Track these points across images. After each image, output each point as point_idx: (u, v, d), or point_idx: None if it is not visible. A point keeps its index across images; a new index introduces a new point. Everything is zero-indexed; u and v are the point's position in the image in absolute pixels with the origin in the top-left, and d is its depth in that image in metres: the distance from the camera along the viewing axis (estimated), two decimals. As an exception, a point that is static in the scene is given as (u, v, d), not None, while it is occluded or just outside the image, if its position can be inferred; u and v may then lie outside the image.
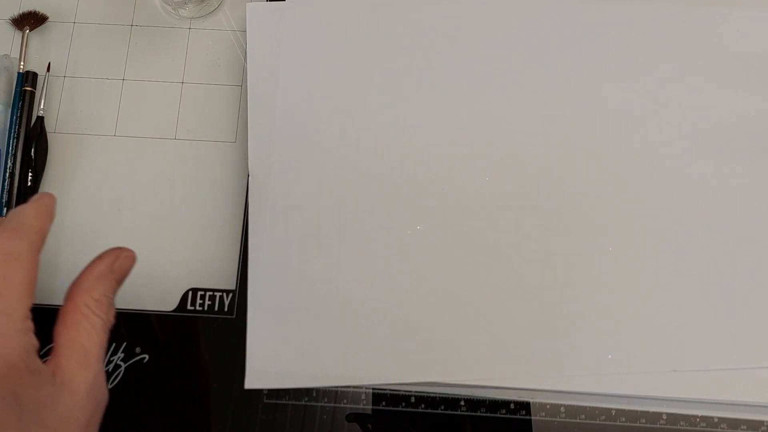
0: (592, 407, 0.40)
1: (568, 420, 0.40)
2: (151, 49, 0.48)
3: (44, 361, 0.30)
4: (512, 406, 0.41)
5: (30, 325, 0.30)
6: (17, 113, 0.45)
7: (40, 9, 0.48)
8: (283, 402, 0.41)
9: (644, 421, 0.40)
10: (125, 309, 0.43)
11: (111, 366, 0.42)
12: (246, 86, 0.46)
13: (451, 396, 0.41)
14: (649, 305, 0.41)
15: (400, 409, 0.41)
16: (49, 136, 0.46)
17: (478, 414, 0.41)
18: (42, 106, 0.46)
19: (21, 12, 0.48)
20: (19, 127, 0.45)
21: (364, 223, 0.43)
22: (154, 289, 0.43)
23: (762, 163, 0.43)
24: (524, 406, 0.41)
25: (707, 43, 0.46)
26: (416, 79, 0.45)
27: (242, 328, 0.41)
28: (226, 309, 0.43)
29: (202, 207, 0.45)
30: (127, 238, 0.44)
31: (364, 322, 0.41)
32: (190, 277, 0.43)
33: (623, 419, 0.40)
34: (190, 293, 0.43)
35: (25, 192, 0.44)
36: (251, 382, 0.40)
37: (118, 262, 0.34)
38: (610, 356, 0.40)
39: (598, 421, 0.40)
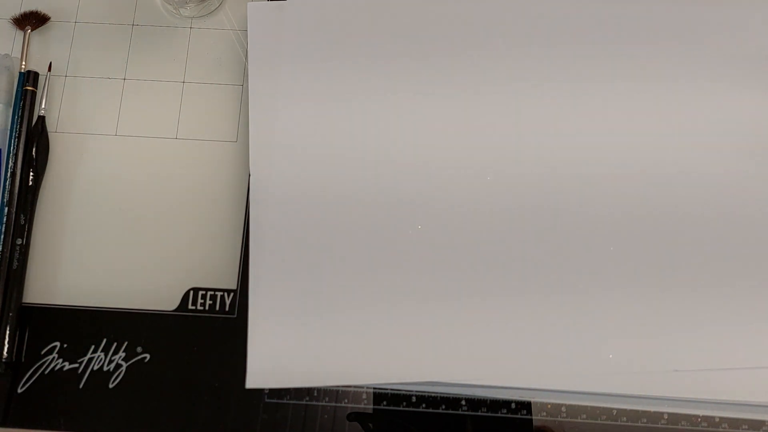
0: (594, 407, 0.40)
1: (569, 419, 0.40)
2: (152, 49, 0.48)
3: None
4: (513, 405, 0.41)
5: None
6: (18, 113, 0.45)
7: (42, 9, 0.48)
8: (284, 401, 0.41)
9: (645, 420, 0.40)
10: (126, 309, 0.43)
11: (112, 365, 0.42)
12: (247, 86, 0.46)
13: (452, 395, 0.41)
14: (649, 305, 0.41)
15: (401, 408, 0.41)
16: (50, 135, 0.46)
17: (479, 414, 0.41)
18: (43, 106, 0.46)
19: (22, 12, 0.48)
20: (21, 126, 0.45)
21: (364, 223, 0.43)
22: (155, 288, 0.43)
23: (764, 163, 0.43)
24: (525, 406, 0.41)
25: (711, 44, 0.46)
26: (417, 78, 0.45)
27: (243, 328, 0.41)
28: (227, 309, 0.43)
29: (202, 207, 0.45)
30: (128, 238, 0.44)
31: (365, 322, 0.41)
32: (191, 276, 0.43)
33: (624, 419, 0.40)
34: (191, 293, 0.43)
35: (26, 191, 0.44)
36: (252, 381, 0.40)
37: None
38: (610, 356, 0.40)
39: (599, 421, 0.40)
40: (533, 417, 0.40)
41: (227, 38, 0.48)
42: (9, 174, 0.44)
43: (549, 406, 0.41)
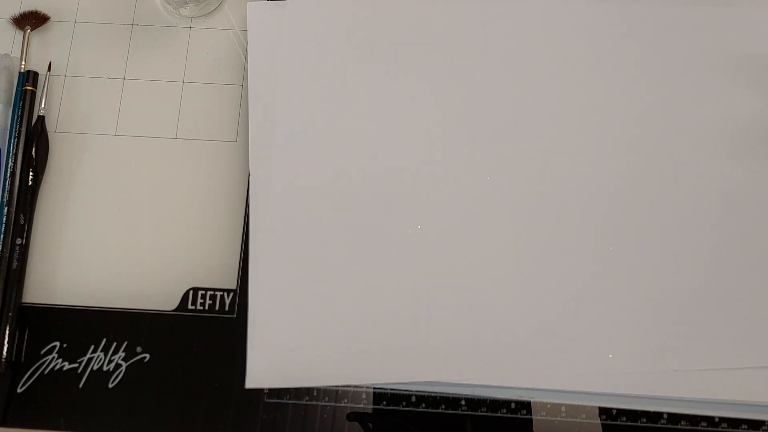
0: (593, 406, 0.40)
1: (569, 419, 0.40)
2: (151, 49, 0.48)
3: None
4: (513, 405, 0.41)
5: None
6: (18, 112, 0.45)
7: (42, 8, 0.48)
8: (284, 401, 0.41)
9: (645, 420, 0.40)
10: (126, 308, 0.43)
11: (112, 365, 0.42)
12: (247, 85, 0.46)
13: (451, 395, 0.41)
14: (649, 305, 0.41)
15: (400, 408, 0.41)
16: (49, 135, 0.46)
17: (479, 413, 0.41)
18: (43, 106, 0.46)
19: (22, 11, 0.48)
20: (20, 126, 0.45)
21: (364, 223, 0.43)
22: (154, 288, 0.43)
23: (763, 163, 0.43)
24: (525, 406, 0.41)
25: (711, 44, 0.46)
26: (417, 78, 0.45)
27: (243, 328, 0.41)
28: (226, 308, 0.43)
29: (202, 207, 0.45)
30: (128, 238, 0.44)
31: (365, 322, 0.41)
32: (191, 276, 0.43)
33: (624, 418, 0.40)
34: (191, 293, 0.43)
35: (26, 191, 0.44)
36: (252, 381, 0.40)
37: None
38: (610, 356, 0.40)
39: (599, 421, 0.40)
40: (533, 417, 0.40)
41: (227, 38, 0.48)
42: (9, 174, 0.44)
43: (549, 406, 0.41)
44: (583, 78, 0.45)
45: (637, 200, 0.43)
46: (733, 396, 0.39)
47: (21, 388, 0.41)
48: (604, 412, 0.40)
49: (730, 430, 0.40)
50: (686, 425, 0.40)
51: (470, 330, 0.41)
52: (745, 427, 0.40)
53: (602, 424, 0.40)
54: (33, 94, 0.46)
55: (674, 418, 0.40)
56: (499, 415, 0.41)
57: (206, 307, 0.43)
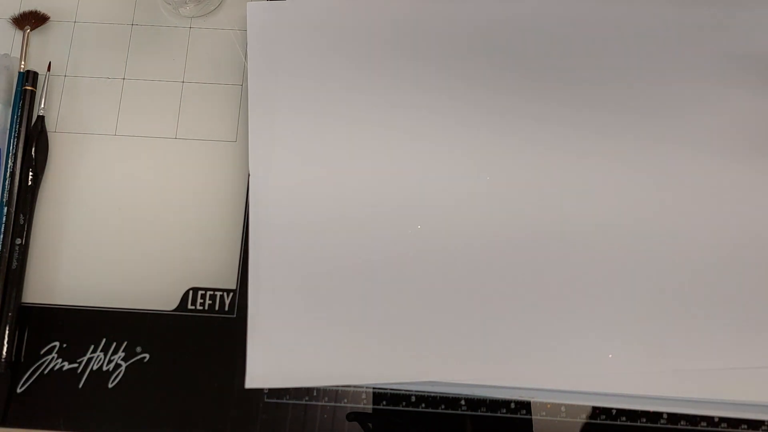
0: (594, 407, 0.40)
1: (568, 419, 0.40)
2: (151, 49, 0.48)
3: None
4: (513, 405, 0.41)
5: None
6: (18, 112, 0.45)
7: (41, 8, 0.48)
8: (284, 401, 0.41)
9: (645, 420, 0.40)
10: (126, 308, 0.43)
11: (112, 365, 0.42)
12: (246, 85, 0.46)
13: (451, 395, 0.41)
14: (649, 305, 0.41)
15: (400, 408, 0.41)
16: (49, 135, 0.46)
17: (479, 413, 0.41)
18: (42, 106, 0.46)
19: (22, 11, 0.48)
20: (20, 126, 0.45)
21: (364, 223, 0.43)
22: (154, 288, 0.43)
23: (763, 163, 0.43)
24: (525, 406, 0.41)
25: (712, 43, 0.46)
26: (417, 77, 0.45)
27: (243, 328, 0.41)
28: (226, 308, 0.43)
29: (202, 207, 0.45)
30: (128, 238, 0.44)
31: (365, 322, 0.41)
32: (191, 276, 0.43)
33: (624, 419, 0.40)
34: (191, 293, 0.43)
35: (26, 191, 0.44)
36: (252, 381, 0.40)
37: None
38: (610, 356, 0.40)
39: (598, 421, 0.40)
40: (533, 417, 0.40)
41: (227, 38, 0.48)
42: (8, 174, 0.44)
43: (549, 406, 0.41)
44: (584, 78, 0.45)
45: (638, 199, 0.43)
46: (733, 396, 0.39)
47: (21, 388, 0.41)
48: (603, 411, 0.40)
49: (729, 430, 0.40)
50: (686, 425, 0.40)
51: (470, 330, 0.41)
52: (745, 427, 0.40)
53: (602, 424, 0.40)
54: (33, 94, 0.46)
55: (674, 418, 0.40)
56: (499, 415, 0.41)
57: (206, 307, 0.43)
